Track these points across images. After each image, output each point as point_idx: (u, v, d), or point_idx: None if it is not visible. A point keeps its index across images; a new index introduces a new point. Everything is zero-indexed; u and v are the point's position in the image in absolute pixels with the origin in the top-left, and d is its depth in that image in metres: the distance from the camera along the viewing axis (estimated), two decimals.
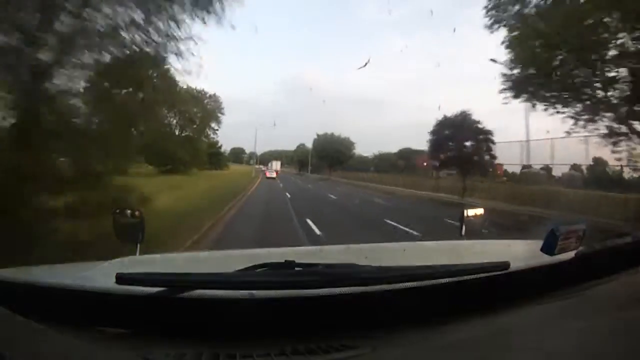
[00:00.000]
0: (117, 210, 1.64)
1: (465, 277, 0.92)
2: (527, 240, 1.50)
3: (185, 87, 33.58)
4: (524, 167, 20.80)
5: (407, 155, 43.43)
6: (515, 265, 0.98)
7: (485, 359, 0.76)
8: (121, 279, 0.78)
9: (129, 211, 1.65)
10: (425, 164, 32.70)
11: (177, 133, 34.11)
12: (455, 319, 0.87)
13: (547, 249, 1.05)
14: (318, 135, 54.50)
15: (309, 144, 63.02)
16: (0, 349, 0.62)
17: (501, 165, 22.33)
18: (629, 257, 1.16)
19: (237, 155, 70.58)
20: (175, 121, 34.46)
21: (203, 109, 38.19)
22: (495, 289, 0.96)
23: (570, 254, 1.08)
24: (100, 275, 0.99)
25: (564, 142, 15.24)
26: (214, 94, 39.77)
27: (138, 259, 1.30)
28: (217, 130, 39.94)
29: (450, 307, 0.90)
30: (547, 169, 19.22)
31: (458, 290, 0.92)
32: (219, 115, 40.15)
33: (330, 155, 50.14)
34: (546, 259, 1.05)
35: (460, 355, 0.77)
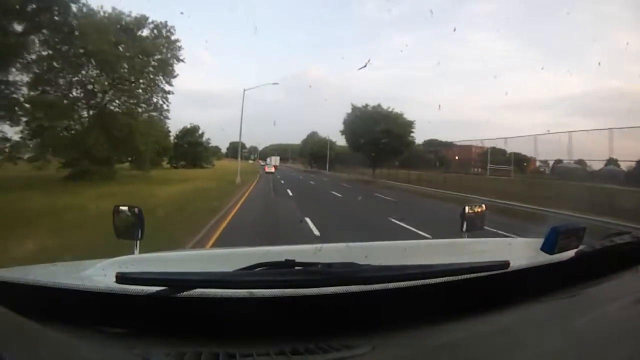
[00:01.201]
0: (117, 207, 1.63)
1: (465, 276, 0.92)
2: (527, 239, 1.50)
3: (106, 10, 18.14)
4: (556, 161, 18.97)
5: (432, 148, 34.20)
6: (515, 264, 0.98)
7: (485, 358, 0.77)
8: (121, 278, 0.78)
9: (128, 208, 1.65)
10: (457, 157, 28.74)
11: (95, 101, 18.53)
12: (455, 318, 0.88)
13: (547, 247, 1.05)
14: (354, 107, 32.64)
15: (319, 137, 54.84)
16: (0, 349, 0.62)
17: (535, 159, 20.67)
18: (629, 256, 1.16)
19: (237, 150, 67.28)
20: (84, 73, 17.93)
21: (143, 51, 19.22)
22: (495, 288, 0.96)
23: (571, 253, 1.08)
24: (99, 274, 0.99)
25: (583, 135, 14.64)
26: (165, 23, 20.60)
27: (137, 257, 1.30)
28: (168, 93, 20.95)
29: (450, 306, 0.90)
30: (582, 163, 17.78)
31: (458, 289, 0.92)
32: (174, 62, 20.76)
33: (376, 140, 29.04)
34: (546, 258, 1.05)
35: (460, 354, 0.77)
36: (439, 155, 32.40)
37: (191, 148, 38.59)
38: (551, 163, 20.32)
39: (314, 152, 53.50)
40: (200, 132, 40.91)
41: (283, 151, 70.12)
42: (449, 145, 32.15)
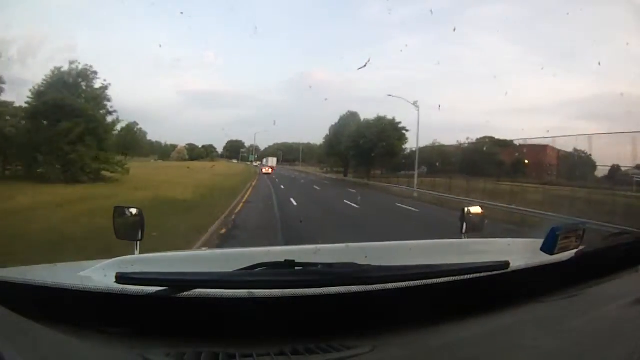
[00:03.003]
0: (117, 208, 1.64)
1: (466, 277, 0.92)
2: (527, 239, 1.50)
3: None
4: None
5: (477, 149, 24.90)
6: (515, 264, 0.98)
7: (486, 357, 0.77)
8: (121, 278, 0.78)
9: (128, 209, 1.65)
10: (527, 161, 21.62)
11: None
12: (456, 318, 0.88)
13: (547, 248, 1.06)
14: None
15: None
16: (1, 348, 0.62)
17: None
18: (629, 256, 1.16)
19: (236, 150, 56.95)
20: None
21: None
22: (495, 288, 0.96)
23: (570, 254, 1.08)
24: (100, 274, 0.99)
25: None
26: None
27: (138, 258, 1.30)
28: None
29: (450, 306, 0.90)
30: None
31: (458, 290, 0.92)
32: None
33: None
34: (546, 258, 1.05)
35: (460, 354, 0.77)
36: (515, 158, 22.77)
37: (53, 128, 15.80)
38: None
39: (362, 144, 29.05)
40: (98, 84, 18.32)
41: (289, 151, 60.32)
42: (508, 144, 23.32)
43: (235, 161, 54.80)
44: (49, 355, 0.69)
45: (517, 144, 22.74)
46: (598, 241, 1.18)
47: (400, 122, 28.81)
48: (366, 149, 29.33)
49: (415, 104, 22.30)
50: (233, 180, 22.61)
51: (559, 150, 19.65)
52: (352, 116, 34.49)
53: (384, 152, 28.75)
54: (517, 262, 1.02)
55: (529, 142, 20.87)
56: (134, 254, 1.40)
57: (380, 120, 29.69)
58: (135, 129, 43.54)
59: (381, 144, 28.43)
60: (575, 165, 18.83)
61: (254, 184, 23.54)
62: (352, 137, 30.63)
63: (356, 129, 31.18)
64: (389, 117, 29.30)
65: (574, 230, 1.10)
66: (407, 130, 28.21)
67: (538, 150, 21.30)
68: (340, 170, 37.20)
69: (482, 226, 1.90)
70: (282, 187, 22.42)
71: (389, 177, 28.58)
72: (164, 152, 54.62)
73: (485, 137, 26.54)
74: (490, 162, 22.87)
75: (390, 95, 26.20)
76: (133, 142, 42.39)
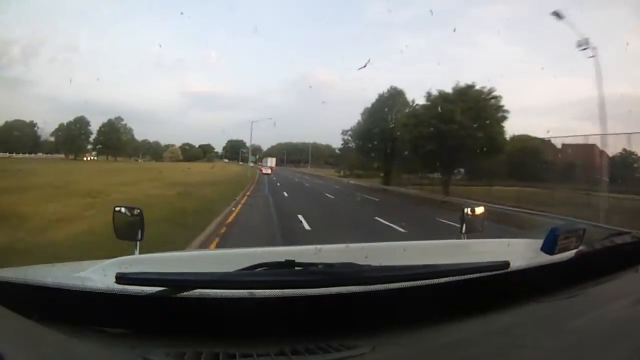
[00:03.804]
0: (117, 208, 1.64)
1: (466, 277, 0.92)
2: (527, 240, 1.51)
3: None
4: None
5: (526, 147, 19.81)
6: (515, 264, 0.98)
7: (486, 357, 0.77)
8: (121, 278, 0.78)
9: (128, 209, 1.65)
10: (578, 163, 16.76)
11: None
12: (456, 318, 0.88)
13: (547, 248, 1.06)
14: None
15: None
16: (0, 348, 0.62)
17: None
18: (629, 256, 1.16)
19: (236, 150, 53.89)
20: None
21: None
22: (495, 288, 0.96)
23: (570, 254, 1.08)
24: (100, 274, 0.99)
25: None
26: None
27: (137, 258, 1.30)
28: None
29: (450, 307, 0.90)
30: None
31: (458, 290, 0.92)
32: None
33: None
34: (546, 259, 1.05)
35: (461, 355, 0.77)
36: (562, 159, 18.08)
37: None
38: None
39: (447, 132, 16.58)
40: None
41: (293, 151, 58.12)
42: (546, 143, 18.75)
43: (226, 160, 51.61)
44: (49, 355, 0.69)
45: (559, 145, 18.19)
46: (598, 241, 1.18)
47: (500, 96, 16.85)
48: (453, 142, 16.39)
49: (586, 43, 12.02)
50: (184, 207, 9.74)
51: (601, 151, 15.37)
52: (398, 95, 21.95)
53: (482, 145, 16.71)
54: (517, 262, 1.02)
55: (562, 140, 17.45)
56: (133, 254, 1.40)
57: (469, 92, 16.94)
58: (119, 126, 40.89)
59: (476, 132, 16.59)
60: (630, 168, 15.99)
61: (231, 217, 10.00)
62: (424, 120, 17.69)
63: (428, 108, 18.30)
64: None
65: (573, 230, 1.10)
66: (507, 111, 17.20)
67: (586, 151, 16.55)
68: (361, 174, 26.15)
69: (481, 227, 1.90)
70: (308, 226, 9.30)
71: (461, 184, 18.38)
72: (156, 152, 52.98)
73: (523, 135, 19.40)
74: (538, 164, 17.21)
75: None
76: (115, 141, 39.38)
